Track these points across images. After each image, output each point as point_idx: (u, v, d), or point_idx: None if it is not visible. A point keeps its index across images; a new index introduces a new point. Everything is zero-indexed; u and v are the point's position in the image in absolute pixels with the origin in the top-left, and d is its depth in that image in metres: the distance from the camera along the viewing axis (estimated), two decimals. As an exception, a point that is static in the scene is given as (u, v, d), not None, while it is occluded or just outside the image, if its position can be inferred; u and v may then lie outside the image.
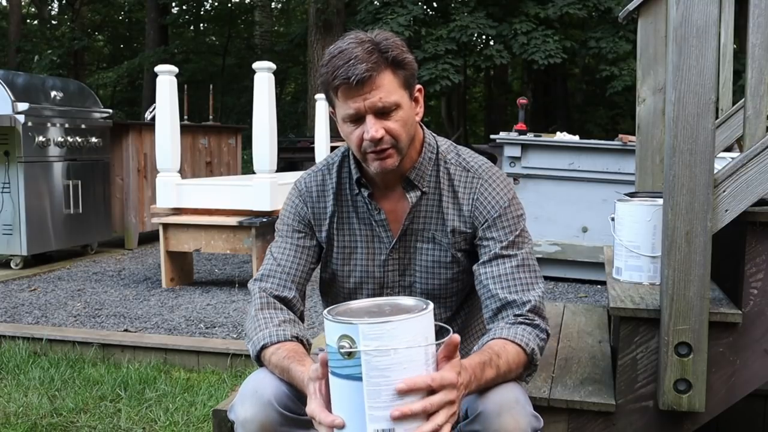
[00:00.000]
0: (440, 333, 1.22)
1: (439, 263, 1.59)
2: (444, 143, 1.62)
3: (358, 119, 1.44)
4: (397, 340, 1.11)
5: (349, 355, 1.11)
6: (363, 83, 1.39)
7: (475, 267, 1.54)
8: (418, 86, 1.52)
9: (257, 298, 1.55)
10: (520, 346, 1.41)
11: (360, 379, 1.11)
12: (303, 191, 1.64)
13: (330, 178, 1.62)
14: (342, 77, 1.39)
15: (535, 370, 1.47)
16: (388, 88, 1.42)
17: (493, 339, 1.42)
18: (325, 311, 1.18)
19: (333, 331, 1.13)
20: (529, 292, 1.49)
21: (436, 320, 1.55)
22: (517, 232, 1.53)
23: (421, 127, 1.59)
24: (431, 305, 1.18)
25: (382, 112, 1.43)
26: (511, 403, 1.32)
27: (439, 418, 1.14)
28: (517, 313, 1.47)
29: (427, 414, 1.14)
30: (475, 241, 1.56)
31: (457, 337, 1.20)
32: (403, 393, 1.12)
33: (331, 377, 1.17)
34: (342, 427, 1.15)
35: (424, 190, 1.56)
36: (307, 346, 1.49)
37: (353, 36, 1.44)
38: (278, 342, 1.44)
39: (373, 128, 1.42)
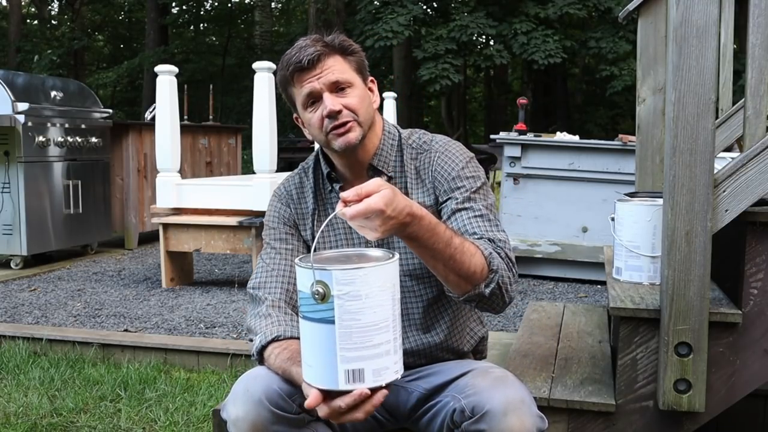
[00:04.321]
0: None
1: None
2: (406, 131, 1.66)
3: (315, 101, 1.50)
4: (368, 286, 1.16)
5: (323, 299, 1.15)
6: (314, 64, 1.47)
7: None
8: (371, 78, 1.58)
9: (266, 300, 1.54)
10: (478, 247, 1.38)
11: (332, 322, 1.16)
12: (283, 195, 1.67)
13: (307, 179, 1.66)
14: (294, 63, 1.48)
15: (495, 286, 1.39)
16: (340, 68, 1.49)
17: None
18: (297, 259, 1.21)
19: (307, 276, 1.17)
20: (491, 234, 1.47)
21: (423, 299, 1.60)
22: (474, 189, 1.54)
23: (381, 117, 1.64)
24: (397, 255, 1.21)
25: (338, 88, 1.49)
26: (517, 404, 1.32)
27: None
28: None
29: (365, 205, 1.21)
30: (438, 208, 1.57)
31: None
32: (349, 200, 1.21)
33: (301, 321, 1.21)
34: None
35: (389, 174, 1.59)
36: None
37: (303, 37, 1.54)
38: (291, 338, 1.43)
39: (330, 103, 1.48)
